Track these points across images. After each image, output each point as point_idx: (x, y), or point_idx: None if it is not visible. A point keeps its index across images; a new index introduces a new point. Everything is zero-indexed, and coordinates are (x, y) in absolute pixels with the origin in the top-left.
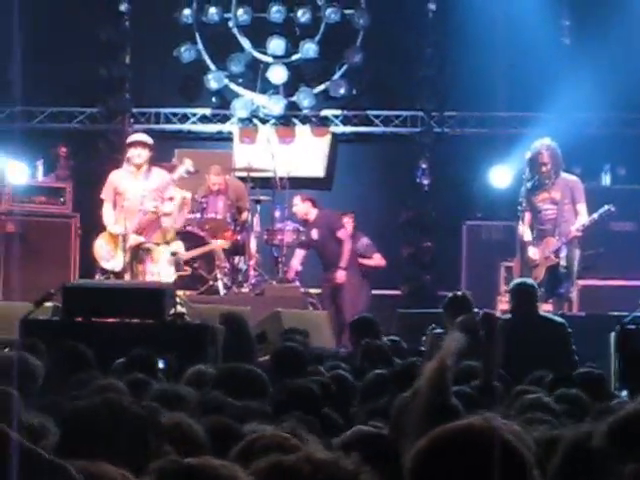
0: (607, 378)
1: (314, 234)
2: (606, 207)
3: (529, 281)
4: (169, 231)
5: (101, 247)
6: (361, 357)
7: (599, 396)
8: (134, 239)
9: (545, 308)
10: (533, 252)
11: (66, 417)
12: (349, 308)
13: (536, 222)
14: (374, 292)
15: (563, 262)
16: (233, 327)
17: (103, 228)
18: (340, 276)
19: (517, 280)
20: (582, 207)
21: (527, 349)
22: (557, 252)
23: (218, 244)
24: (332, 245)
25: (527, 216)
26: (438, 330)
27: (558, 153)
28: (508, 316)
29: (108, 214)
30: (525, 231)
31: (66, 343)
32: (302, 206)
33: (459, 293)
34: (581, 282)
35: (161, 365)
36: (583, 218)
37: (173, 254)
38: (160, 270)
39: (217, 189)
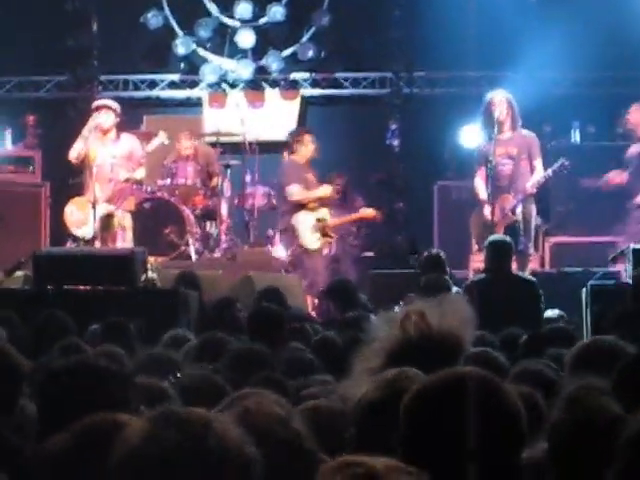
0: (579, 333)
1: None
2: (560, 161)
3: (504, 238)
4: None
5: (72, 214)
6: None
7: None
8: (105, 207)
9: None
10: (489, 211)
11: (46, 379)
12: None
13: (491, 177)
14: None
15: (520, 218)
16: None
17: (73, 195)
18: None
19: (492, 237)
20: (539, 163)
21: (500, 307)
22: (514, 209)
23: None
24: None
25: (481, 170)
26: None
27: (514, 105)
28: (482, 275)
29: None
30: (480, 187)
31: (45, 311)
32: None
33: (433, 252)
34: (552, 239)
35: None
36: (539, 174)
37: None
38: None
39: (187, 154)
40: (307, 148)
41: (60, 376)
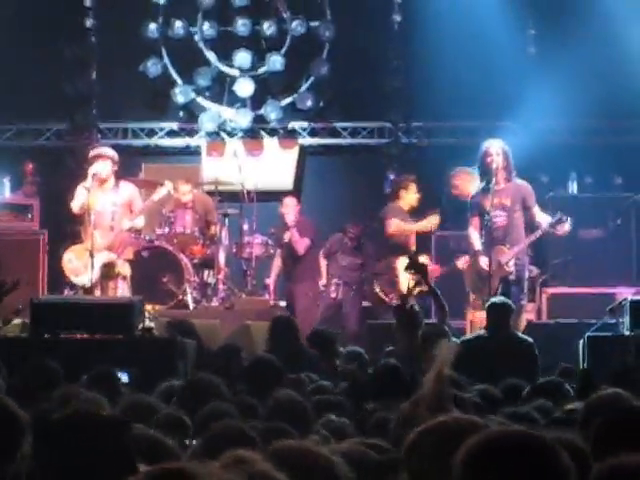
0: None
1: (287, 237)
2: (557, 215)
3: (504, 301)
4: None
5: (70, 261)
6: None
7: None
8: (106, 256)
9: None
10: (485, 262)
11: (41, 428)
12: (301, 317)
13: (485, 228)
14: None
15: (512, 270)
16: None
17: (71, 243)
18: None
19: (493, 299)
20: (536, 209)
21: (498, 363)
22: (508, 262)
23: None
24: (297, 254)
25: (475, 221)
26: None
27: (509, 155)
28: (483, 332)
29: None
30: (474, 237)
31: (33, 359)
32: (293, 209)
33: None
34: (550, 290)
35: (125, 379)
36: (540, 217)
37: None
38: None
39: (185, 201)
40: (411, 196)
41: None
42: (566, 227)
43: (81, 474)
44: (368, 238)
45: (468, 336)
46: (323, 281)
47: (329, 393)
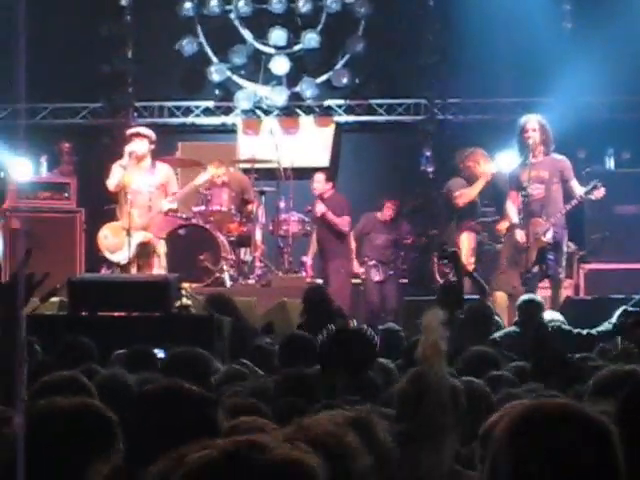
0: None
1: (319, 209)
2: (592, 183)
3: (533, 298)
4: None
5: (106, 238)
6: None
7: None
8: (143, 235)
9: (542, 285)
10: (521, 235)
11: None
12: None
13: (523, 201)
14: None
15: (550, 241)
16: (220, 310)
17: (108, 221)
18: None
19: (525, 297)
20: (575, 184)
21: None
22: (545, 233)
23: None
24: (329, 230)
25: (513, 194)
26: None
27: (547, 129)
28: (513, 328)
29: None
30: (512, 211)
31: (67, 336)
32: (322, 184)
33: (448, 281)
34: (587, 266)
35: (162, 355)
36: (578, 190)
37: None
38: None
39: (220, 182)
40: (486, 166)
41: (152, 397)
42: (601, 192)
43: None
44: (404, 215)
45: (499, 333)
46: (356, 265)
47: None
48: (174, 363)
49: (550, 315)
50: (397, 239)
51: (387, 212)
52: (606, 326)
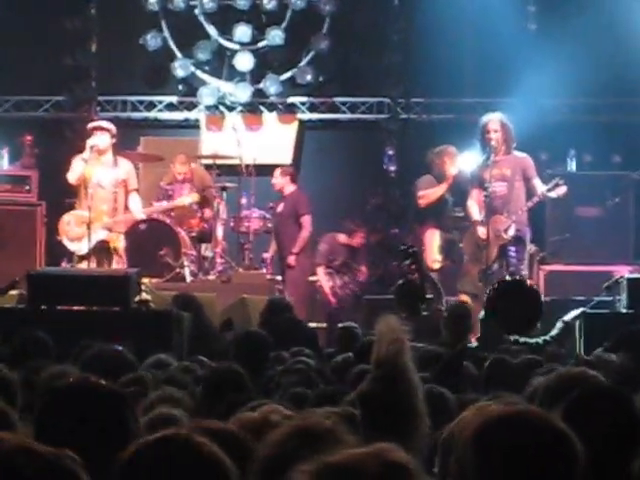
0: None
1: (279, 207)
2: (554, 181)
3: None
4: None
5: (68, 224)
6: None
7: None
8: (104, 235)
9: None
10: (482, 232)
11: (43, 397)
12: (291, 291)
13: (485, 198)
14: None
15: (510, 238)
16: (186, 308)
17: (70, 209)
18: (290, 260)
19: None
20: (537, 181)
21: None
22: (506, 230)
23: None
24: (291, 226)
25: (475, 192)
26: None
27: (509, 127)
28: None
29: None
30: (473, 209)
31: (23, 330)
32: (280, 180)
33: (407, 280)
34: (547, 267)
35: None
36: (540, 188)
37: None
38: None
39: (182, 178)
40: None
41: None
42: (562, 190)
43: (80, 442)
44: (349, 212)
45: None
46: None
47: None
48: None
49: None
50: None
51: (358, 240)
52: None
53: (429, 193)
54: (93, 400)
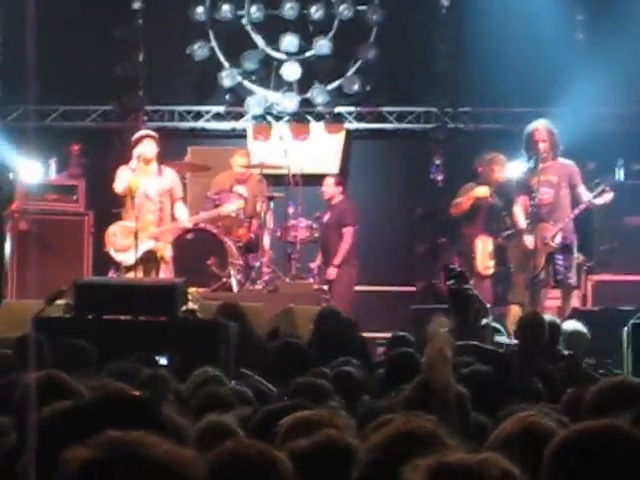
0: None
1: (326, 216)
2: (600, 187)
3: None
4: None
5: (114, 235)
6: None
7: None
8: (152, 245)
9: (552, 295)
10: (530, 241)
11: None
12: (337, 302)
13: (532, 205)
14: (389, 289)
15: (558, 246)
16: (230, 317)
17: (115, 217)
18: (331, 273)
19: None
20: (582, 189)
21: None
22: (553, 238)
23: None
24: (337, 236)
25: (522, 199)
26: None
27: (555, 133)
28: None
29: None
30: (519, 216)
31: (67, 339)
32: (332, 188)
33: (462, 287)
34: (595, 277)
35: (164, 362)
36: (586, 195)
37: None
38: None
39: (239, 176)
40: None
41: (92, 407)
42: (609, 196)
43: None
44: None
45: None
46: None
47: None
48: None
49: (572, 325)
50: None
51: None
52: None
53: (460, 201)
54: (124, 410)
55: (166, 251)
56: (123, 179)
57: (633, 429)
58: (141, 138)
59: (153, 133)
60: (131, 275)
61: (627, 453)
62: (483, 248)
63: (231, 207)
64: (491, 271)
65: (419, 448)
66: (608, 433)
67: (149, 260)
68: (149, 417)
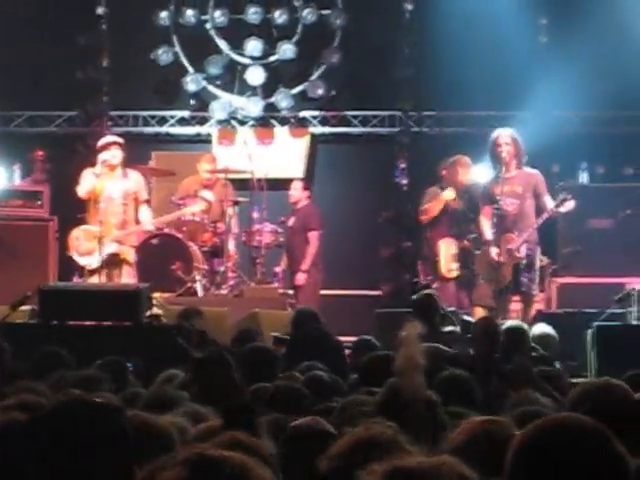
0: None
1: (291, 221)
2: (561, 196)
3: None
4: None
5: (77, 239)
6: None
7: None
8: (115, 248)
9: (514, 301)
10: (496, 252)
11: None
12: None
13: (496, 216)
14: (354, 292)
15: (523, 256)
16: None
17: (80, 221)
18: (299, 279)
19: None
20: (547, 198)
21: None
22: (519, 249)
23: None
24: (302, 240)
25: (487, 209)
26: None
27: (519, 142)
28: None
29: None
30: (485, 226)
31: (44, 347)
32: (299, 193)
33: (427, 292)
34: (559, 280)
35: (131, 369)
36: (551, 204)
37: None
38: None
39: (207, 181)
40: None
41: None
42: (571, 204)
43: (78, 462)
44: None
45: None
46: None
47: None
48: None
49: (540, 329)
50: None
51: None
52: None
53: (429, 207)
54: (88, 415)
55: (129, 254)
56: (87, 182)
57: (592, 421)
58: (108, 145)
59: (120, 140)
60: (95, 279)
61: (587, 445)
62: (446, 251)
63: (194, 208)
64: (455, 274)
65: (379, 454)
66: (567, 426)
67: (112, 263)
68: (113, 423)
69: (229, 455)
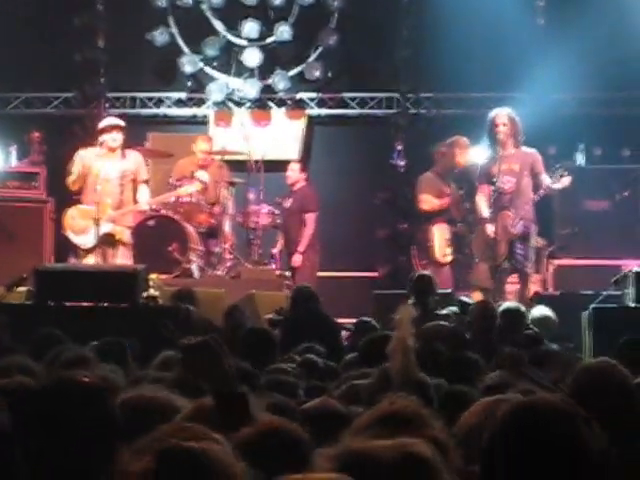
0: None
1: (288, 202)
2: (557, 173)
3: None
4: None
5: (72, 218)
6: None
7: None
8: (110, 228)
9: (512, 279)
10: (491, 230)
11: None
12: None
13: (493, 194)
14: (351, 274)
15: (519, 232)
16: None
17: (76, 203)
18: (296, 260)
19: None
20: (544, 176)
21: None
22: (514, 225)
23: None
24: (298, 221)
25: (484, 188)
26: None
27: (517, 122)
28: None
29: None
30: (482, 205)
31: (41, 329)
32: (297, 174)
33: (423, 273)
34: (556, 261)
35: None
36: (548, 182)
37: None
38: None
39: (203, 160)
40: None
41: (42, 394)
42: (567, 180)
43: (65, 442)
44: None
45: None
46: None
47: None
48: None
49: (539, 311)
50: None
51: None
52: None
53: (434, 204)
54: (75, 396)
55: (124, 234)
56: (76, 167)
57: (564, 403)
58: (110, 128)
59: (122, 123)
60: (90, 258)
61: (560, 428)
62: (440, 236)
63: (190, 189)
64: (449, 258)
65: (404, 428)
66: (538, 408)
67: (107, 242)
68: (98, 404)
69: (199, 447)
